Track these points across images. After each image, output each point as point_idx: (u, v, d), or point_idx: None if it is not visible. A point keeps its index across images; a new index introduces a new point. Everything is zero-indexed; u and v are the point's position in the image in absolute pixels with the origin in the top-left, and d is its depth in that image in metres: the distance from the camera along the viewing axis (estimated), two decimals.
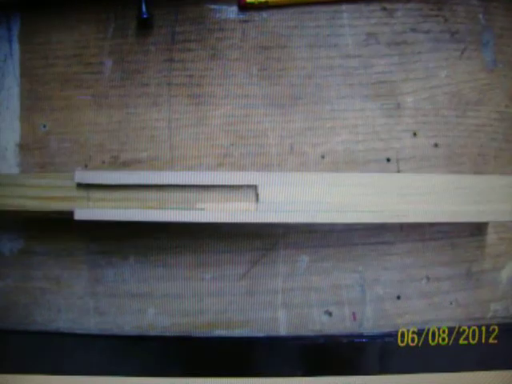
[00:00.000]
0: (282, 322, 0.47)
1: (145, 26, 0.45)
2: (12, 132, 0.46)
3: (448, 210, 0.41)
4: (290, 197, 0.40)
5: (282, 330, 0.47)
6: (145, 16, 0.44)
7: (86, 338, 0.46)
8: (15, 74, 0.46)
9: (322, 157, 0.46)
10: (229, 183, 0.40)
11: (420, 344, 0.46)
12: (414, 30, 0.47)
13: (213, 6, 0.46)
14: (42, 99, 0.46)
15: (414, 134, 0.47)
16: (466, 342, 0.46)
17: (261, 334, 0.47)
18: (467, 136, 0.47)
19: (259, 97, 0.46)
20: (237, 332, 0.47)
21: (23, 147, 0.46)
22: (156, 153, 0.46)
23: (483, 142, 0.48)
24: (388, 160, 0.47)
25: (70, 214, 0.39)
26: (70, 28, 0.46)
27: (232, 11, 0.46)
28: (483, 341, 0.46)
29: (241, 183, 0.40)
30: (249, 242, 0.46)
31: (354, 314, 0.47)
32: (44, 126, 0.46)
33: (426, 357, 0.46)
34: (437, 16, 0.47)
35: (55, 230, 0.46)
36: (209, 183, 0.40)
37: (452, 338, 0.46)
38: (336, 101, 0.46)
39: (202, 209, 0.40)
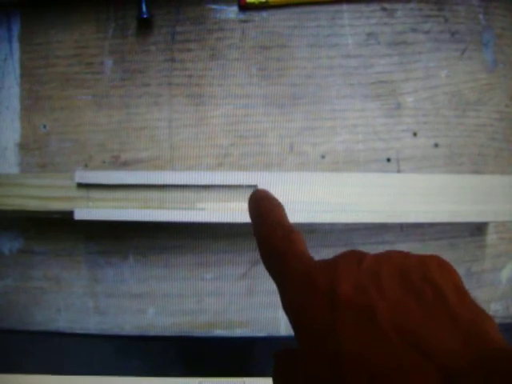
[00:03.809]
0: (282, 322, 0.47)
1: (145, 26, 0.46)
2: (12, 132, 0.46)
3: (448, 210, 0.41)
4: (289, 197, 0.40)
5: (283, 330, 0.47)
6: (145, 16, 0.44)
7: (85, 338, 0.46)
8: (15, 73, 0.46)
9: (322, 157, 0.46)
10: (229, 183, 0.40)
11: None
12: (414, 30, 0.47)
13: (213, 6, 0.46)
14: (43, 99, 0.46)
15: (414, 134, 0.47)
16: None
17: (261, 334, 0.47)
18: (467, 136, 0.47)
19: (259, 97, 0.46)
20: (237, 332, 0.47)
21: (23, 147, 0.46)
22: (156, 153, 0.46)
23: (483, 141, 0.48)
24: (388, 160, 0.47)
25: (70, 213, 0.39)
26: (70, 28, 0.46)
27: (232, 11, 0.46)
28: None
29: (241, 183, 0.40)
30: (249, 241, 0.46)
31: None
32: (44, 126, 0.46)
33: None
34: (437, 16, 0.47)
35: (55, 229, 0.46)
36: (209, 183, 0.40)
37: None
38: (336, 101, 0.46)
39: (202, 209, 0.40)
